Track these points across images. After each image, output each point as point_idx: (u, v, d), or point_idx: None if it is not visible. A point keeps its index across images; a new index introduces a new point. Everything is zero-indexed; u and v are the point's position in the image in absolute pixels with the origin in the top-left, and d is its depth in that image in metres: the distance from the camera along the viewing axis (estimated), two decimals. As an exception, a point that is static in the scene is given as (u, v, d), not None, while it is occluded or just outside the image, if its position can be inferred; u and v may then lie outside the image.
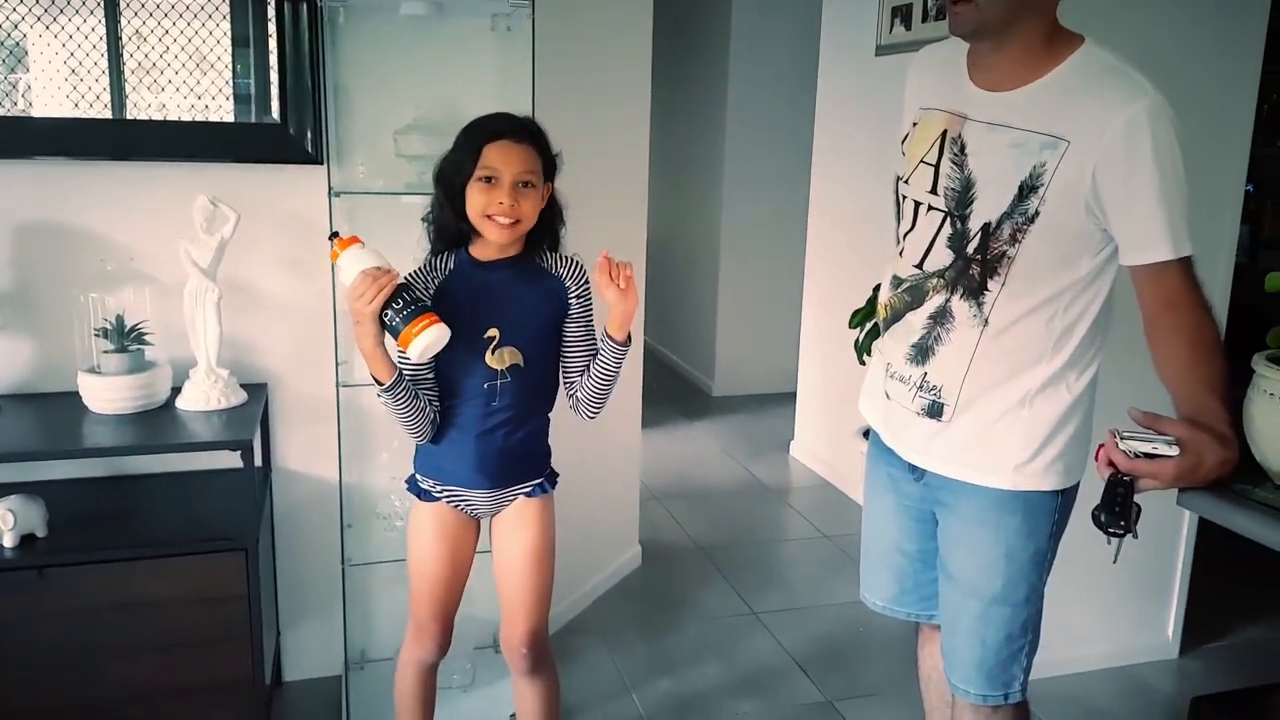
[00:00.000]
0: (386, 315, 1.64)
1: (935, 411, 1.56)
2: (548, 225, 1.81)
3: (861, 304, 3.07)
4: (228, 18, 2.28)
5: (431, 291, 1.76)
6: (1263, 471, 1.34)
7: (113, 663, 2.02)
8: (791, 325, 4.64)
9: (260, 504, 2.19)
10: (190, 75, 2.29)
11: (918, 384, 1.59)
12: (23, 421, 2.10)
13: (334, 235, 1.72)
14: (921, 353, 1.58)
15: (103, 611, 2.00)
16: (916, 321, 1.58)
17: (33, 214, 2.19)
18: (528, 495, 1.88)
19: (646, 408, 3.32)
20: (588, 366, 1.83)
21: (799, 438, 4.52)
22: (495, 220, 1.70)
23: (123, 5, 2.23)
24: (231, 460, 2.21)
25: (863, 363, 3.08)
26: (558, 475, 1.93)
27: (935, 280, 1.55)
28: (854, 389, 1.86)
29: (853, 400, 1.88)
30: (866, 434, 1.85)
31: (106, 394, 2.10)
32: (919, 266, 1.57)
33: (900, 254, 1.63)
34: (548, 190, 1.79)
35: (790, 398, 4.63)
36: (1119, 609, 2.74)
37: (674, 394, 5.38)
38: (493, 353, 1.75)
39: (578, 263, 1.84)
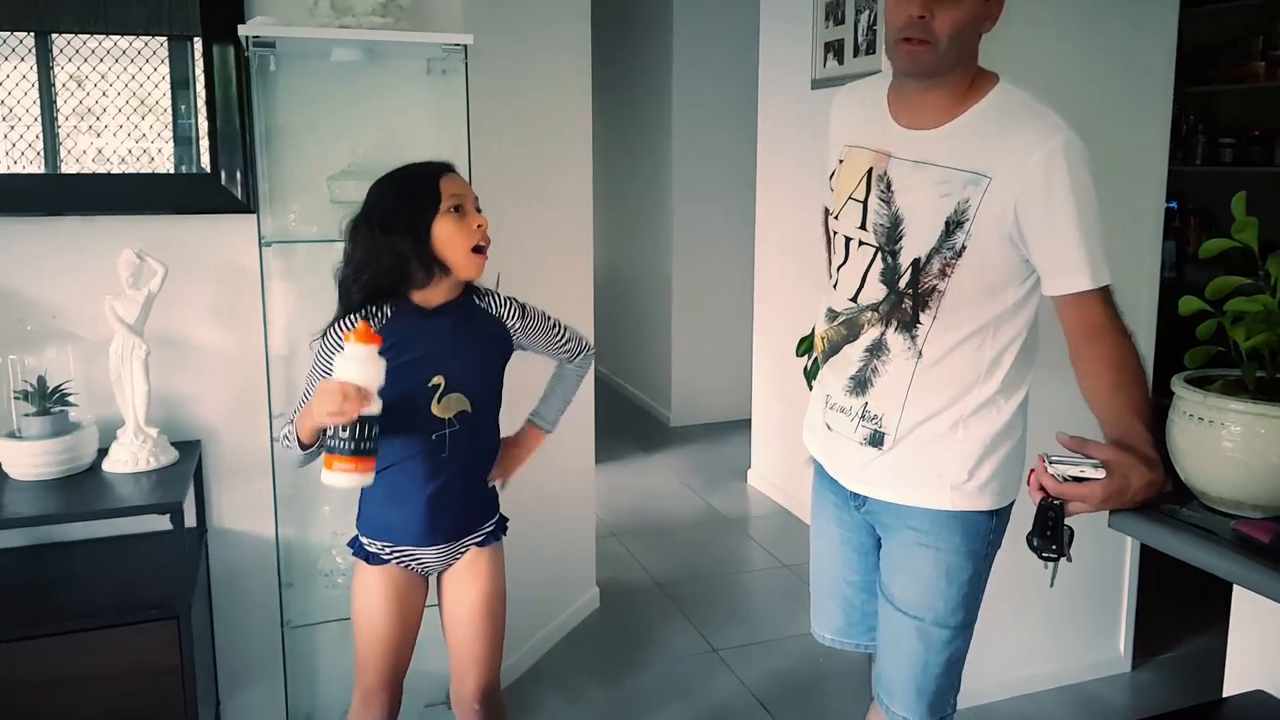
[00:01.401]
0: (330, 431, 1.57)
1: (877, 441, 1.58)
2: None
3: (808, 331, 3.07)
4: (165, 62, 2.26)
5: None
6: (1190, 492, 1.34)
7: (38, 742, 1.94)
8: (746, 352, 4.65)
9: (194, 567, 2.13)
10: (128, 121, 2.25)
11: (859, 414, 1.60)
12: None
13: (365, 316, 1.68)
14: (860, 385, 1.60)
15: (29, 691, 1.91)
16: (854, 354, 1.60)
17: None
18: (479, 545, 1.85)
19: (602, 441, 3.30)
20: (569, 352, 1.94)
21: (756, 465, 4.51)
22: (479, 252, 1.70)
23: (56, 52, 2.20)
24: (164, 522, 2.15)
25: (811, 389, 3.08)
26: (507, 520, 1.91)
27: (870, 314, 1.57)
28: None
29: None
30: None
31: (28, 459, 2.03)
32: (853, 300, 1.60)
33: (834, 287, 1.65)
34: None
35: (747, 425, 4.63)
36: (1070, 626, 2.74)
37: (630, 426, 5.35)
38: (438, 401, 1.71)
39: (511, 301, 1.84)
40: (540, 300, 1.90)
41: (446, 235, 1.67)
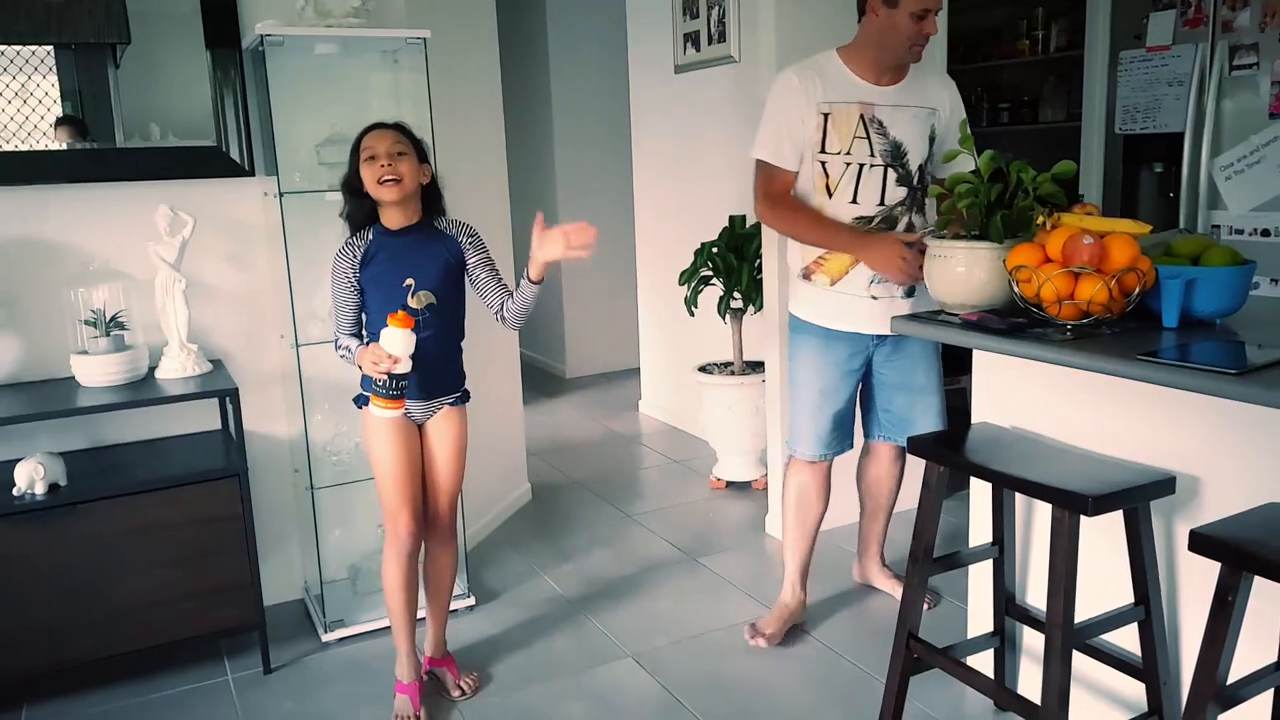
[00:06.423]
0: (372, 379, 2.20)
1: (910, 292, 2.51)
2: (434, 197, 2.36)
3: (685, 267, 3.84)
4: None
5: (359, 257, 2.30)
6: (940, 307, 2.16)
7: (132, 579, 2.49)
8: (631, 309, 5.37)
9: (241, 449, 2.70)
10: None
11: None
12: (28, 400, 2.52)
13: (404, 307, 2.24)
14: None
15: (122, 537, 2.47)
16: None
17: (18, 232, 2.65)
18: (451, 404, 2.43)
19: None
20: (506, 292, 2.37)
21: (646, 396, 5.25)
22: (382, 184, 2.23)
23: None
24: (205, 425, 2.71)
25: (692, 314, 3.84)
26: (470, 394, 2.47)
27: (900, 208, 2.51)
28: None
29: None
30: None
31: (97, 370, 2.56)
32: (881, 204, 2.50)
33: (854, 201, 2.50)
34: (426, 171, 2.32)
35: (634, 373, 5.36)
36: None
37: (534, 381, 6.00)
38: (412, 296, 2.30)
39: (465, 224, 2.40)
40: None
41: (365, 177, 2.25)
